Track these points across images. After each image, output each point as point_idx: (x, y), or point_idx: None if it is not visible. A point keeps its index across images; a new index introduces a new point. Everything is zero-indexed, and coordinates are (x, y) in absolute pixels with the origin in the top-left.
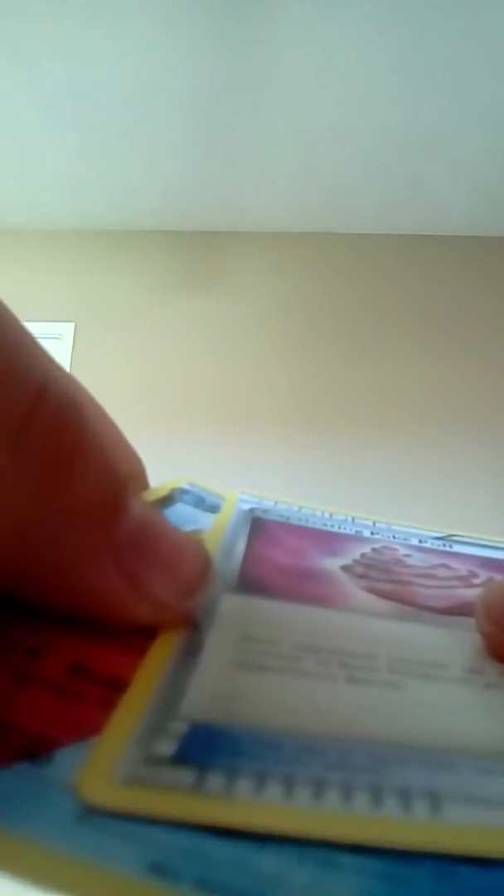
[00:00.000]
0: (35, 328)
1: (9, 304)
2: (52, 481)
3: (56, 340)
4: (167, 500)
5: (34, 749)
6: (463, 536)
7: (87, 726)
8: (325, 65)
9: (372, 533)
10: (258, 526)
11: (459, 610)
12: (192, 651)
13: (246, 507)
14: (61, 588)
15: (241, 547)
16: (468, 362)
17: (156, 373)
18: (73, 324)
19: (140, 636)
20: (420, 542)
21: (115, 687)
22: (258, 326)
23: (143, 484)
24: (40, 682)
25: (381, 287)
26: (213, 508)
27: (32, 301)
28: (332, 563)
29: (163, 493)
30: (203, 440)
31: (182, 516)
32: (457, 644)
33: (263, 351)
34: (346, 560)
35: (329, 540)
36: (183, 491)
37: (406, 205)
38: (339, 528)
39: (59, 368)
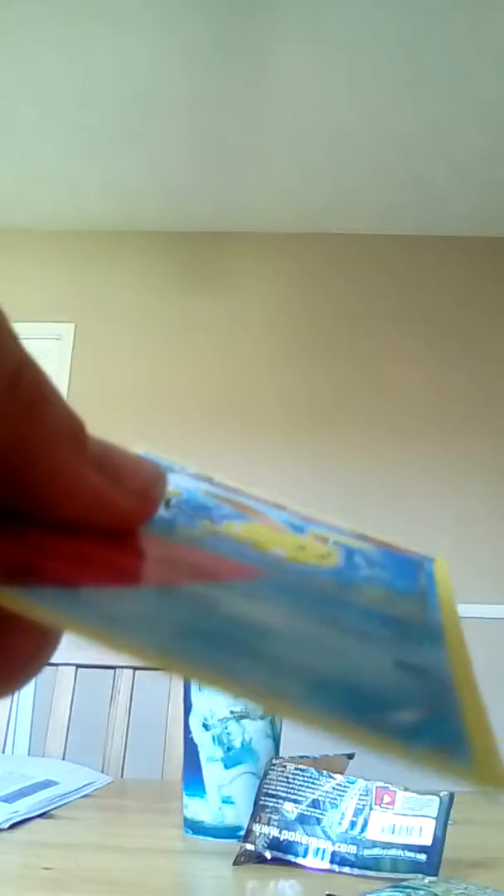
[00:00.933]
0: (35, 328)
1: (9, 304)
2: (34, 415)
3: (56, 340)
4: None
5: (63, 584)
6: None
7: (101, 580)
8: (326, 66)
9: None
10: None
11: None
12: None
13: None
14: (60, 498)
15: None
16: (469, 361)
17: (156, 373)
18: (73, 324)
19: (122, 538)
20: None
21: (112, 570)
22: (259, 326)
23: None
24: (53, 557)
25: (382, 287)
26: None
27: (32, 301)
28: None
29: None
30: (203, 439)
31: None
32: None
33: (264, 350)
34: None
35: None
36: None
37: (407, 205)
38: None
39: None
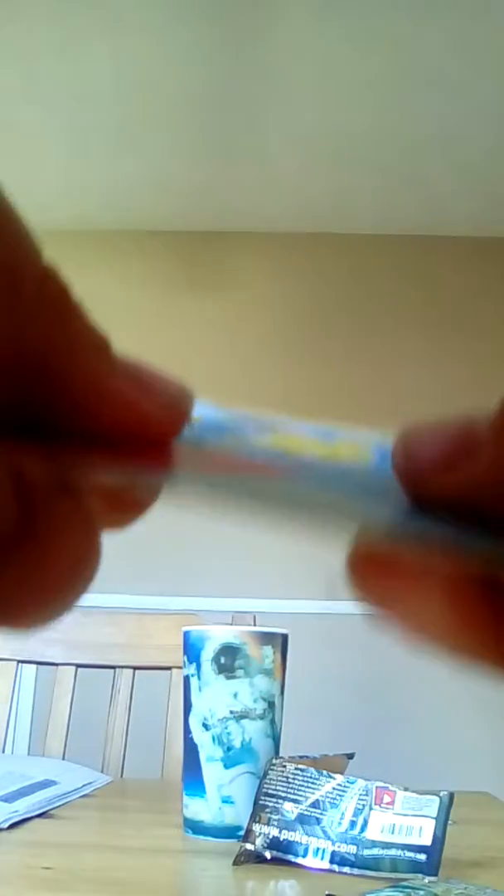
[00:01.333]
0: None
1: None
2: (62, 319)
3: None
4: None
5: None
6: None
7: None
8: (326, 65)
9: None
10: None
11: None
12: None
13: None
14: (90, 406)
15: None
16: (469, 363)
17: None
18: None
19: (157, 449)
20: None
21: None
22: (259, 327)
23: None
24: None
25: (382, 287)
26: None
27: None
28: None
29: None
30: None
31: None
32: None
33: (264, 350)
34: None
35: None
36: None
37: (407, 205)
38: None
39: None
